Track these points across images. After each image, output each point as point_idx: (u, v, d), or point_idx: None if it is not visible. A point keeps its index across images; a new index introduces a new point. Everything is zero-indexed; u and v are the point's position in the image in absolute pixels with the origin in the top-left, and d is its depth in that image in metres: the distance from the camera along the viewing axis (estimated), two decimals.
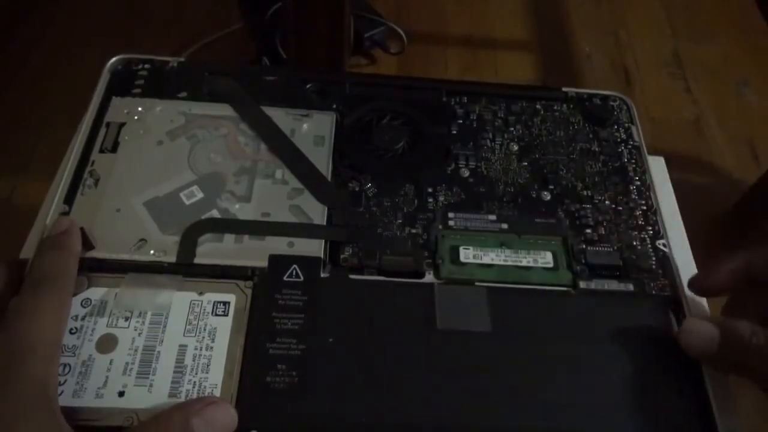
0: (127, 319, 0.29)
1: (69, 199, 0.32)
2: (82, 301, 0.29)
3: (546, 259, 0.32)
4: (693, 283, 0.31)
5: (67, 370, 0.27)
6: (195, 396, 0.27)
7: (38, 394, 0.24)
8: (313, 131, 0.37)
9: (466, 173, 0.36)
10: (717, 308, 0.32)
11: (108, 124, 0.35)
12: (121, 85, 0.37)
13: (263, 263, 0.31)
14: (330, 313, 0.29)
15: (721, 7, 0.85)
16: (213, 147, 0.35)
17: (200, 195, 0.33)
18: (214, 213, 0.32)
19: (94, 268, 0.30)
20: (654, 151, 0.38)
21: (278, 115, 0.37)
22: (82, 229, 0.30)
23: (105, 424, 0.26)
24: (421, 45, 0.76)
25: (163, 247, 0.31)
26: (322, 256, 0.31)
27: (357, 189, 0.34)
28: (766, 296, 0.30)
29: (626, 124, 0.39)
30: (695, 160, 0.70)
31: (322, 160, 0.35)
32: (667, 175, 0.38)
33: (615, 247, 0.33)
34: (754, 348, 0.27)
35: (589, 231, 0.34)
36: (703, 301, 0.31)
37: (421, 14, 0.81)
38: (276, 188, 0.34)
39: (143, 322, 0.29)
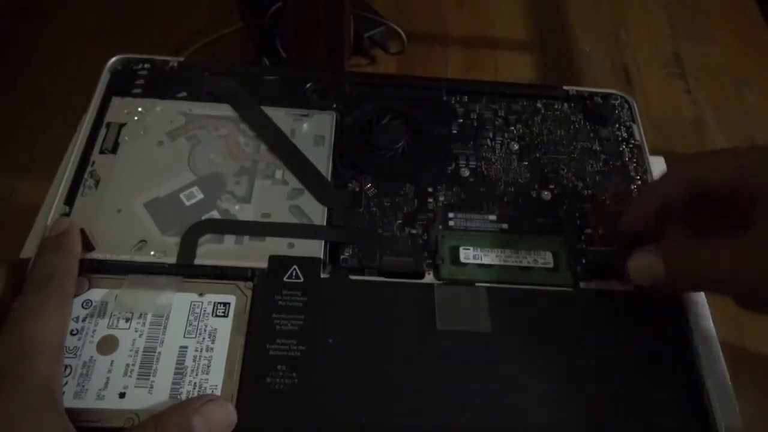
0: (127, 320, 0.29)
1: (69, 199, 0.32)
2: (82, 303, 0.29)
3: (546, 259, 0.32)
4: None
5: (68, 371, 0.27)
6: None
7: (43, 394, 0.24)
8: (313, 131, 0.36)
9: (466, 173, 0.36)
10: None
11: (108, 125, 0.35)
12: (121, 85, 0.37)
13: (263, 264, 0.31)
14: (330, 313, 0.29)
15: (721, 7, 0.85)
16: (213, 147, 0.35)
17: (200, 196, 0.33)
18: (214, 214, 0.32)
19: (95, 269, 0.30)
20: (654, 151, 0.38)
21: (278, 115, 0.37)
22: (82, 230, 0.30)
23: (106, 426, 0.26)
24: (421, 45, 0.76)
25: (164, 248, 0.31)
26: (322, 257, 0.31)
27: (357, 189, 0.34)
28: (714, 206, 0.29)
29: (627, 123, 0.39)
30: None
31: (322, 160, 0.35)
32: None
33: (616, 247, 0.33)
34: (703, 267, 0.27)
35: (589, 231, 0.34)
36: (703, 298, 0.31)
37: (421, 14, 0.81)
38: (276, 189, 0.34)
39: (144, 324, 0.29)
